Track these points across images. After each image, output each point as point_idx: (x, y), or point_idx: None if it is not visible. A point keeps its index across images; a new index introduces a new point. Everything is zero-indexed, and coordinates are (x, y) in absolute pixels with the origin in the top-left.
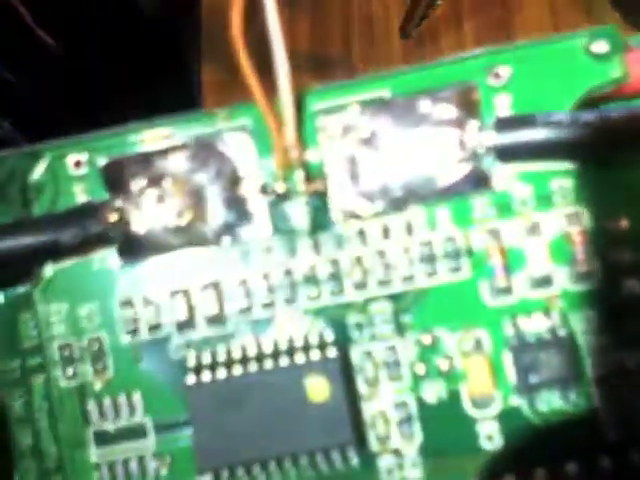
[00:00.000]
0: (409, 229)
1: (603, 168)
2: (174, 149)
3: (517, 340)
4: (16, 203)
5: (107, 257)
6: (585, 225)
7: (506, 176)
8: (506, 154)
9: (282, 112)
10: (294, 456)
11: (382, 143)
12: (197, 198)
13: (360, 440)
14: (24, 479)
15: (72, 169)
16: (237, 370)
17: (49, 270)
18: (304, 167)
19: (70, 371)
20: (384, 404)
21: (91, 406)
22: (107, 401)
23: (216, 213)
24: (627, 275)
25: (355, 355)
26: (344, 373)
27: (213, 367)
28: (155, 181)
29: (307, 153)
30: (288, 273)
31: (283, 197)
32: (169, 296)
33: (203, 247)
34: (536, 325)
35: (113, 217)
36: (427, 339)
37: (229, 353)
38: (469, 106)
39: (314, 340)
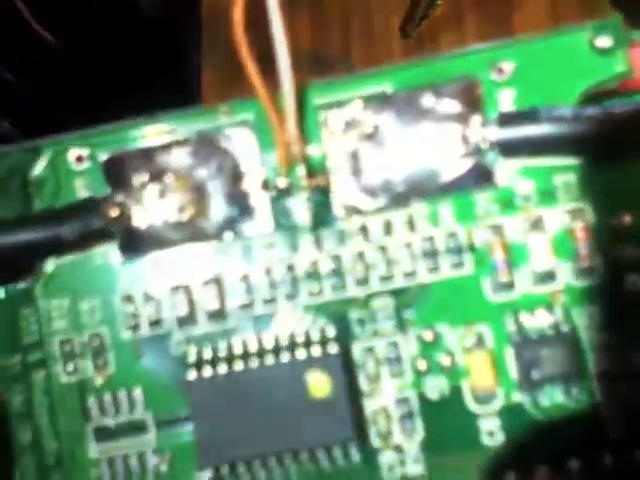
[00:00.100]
0: (411, 224)
1: (606, 163)
2: (176, 144)
3: (519, 336)
4: (17, 198)
5: (108, 252)
6: (588, 220)
7: (509, 171)
8: (509, 149)
9: (284, 107)
10: (295, 452)
11: (384, 138)
12: (199, 193)
13: (361, 436)
14: (24, 474)
15: (73, 164)
16: (238, 366)
17: (50, 265)
18: (306, 162)
19: (71, 366)
20: (385, 400)
21: (91, 402)
22: (107, 397)
23: (218, 208)
24: (630, 270)
25: (357, 351)
26: (345, 369)
27: (214, 363)
28: (156, 176)
29: (309, 148)
30: (290, 269)
31: (285, 192)
32: (170, 292)
33: (204, 242)
34: (539, 321)
35: (114, 212)
36: (429, 335)
37: (230, 349)
38: (472, 101)
39: (315, 336)
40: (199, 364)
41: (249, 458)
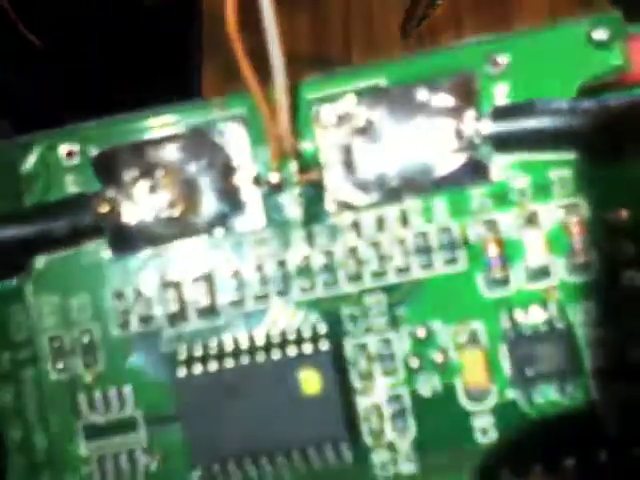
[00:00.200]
0: (404, 220)
1: (602, 158)
2: (167, 139)
3: (513, 333)
4: (7, 194)
5: (98, 249)
6: (583, 216)
7: (504, 166)
8: (504, 143)
9: (276, 100)
10: (286, 450)
11: (378, 133)
12: (190, 189)
13: (353, 434)
14: (14, 472)
15: (64, 159)
16: (229, 363)
17: (40, 262)
18: (298, 157)
19: (60, 364)
20: (378, 398)
21: (81, 399)
22: (97, 394)
23: (209, 204)
24: (626, 266)
25: (349, 348)
26: (337, 366)
27: (204, 360)
28: (147, 171)
29: (302, 143)
30: (281, 265)
31: (277, 188)
32: (161, 288)
33: (195, 238)
34: (533, 317)
35: (104, 208)
36: (422, 332)
37: (221, 346)
38: (467, 95)
39: (307, 333)
40: (190, 361)
41: (240, 456)
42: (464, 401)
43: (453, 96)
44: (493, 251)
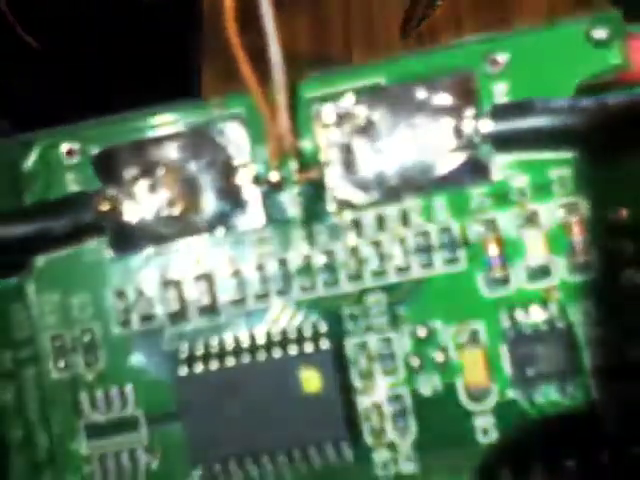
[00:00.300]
0: (405, 219)
1: (602, 156)
2: (167, 138)
3: (514, 332)
4: (8, 192)
5: (99, 247)
6: (583, 215)
7: (503, 165)
8: (503, 142)
9: (275, 99)
10: (287, 449)
11: (378, 131)
12: (190, 187)
13: (354, 434)
14: (16, 471)
15: (64, 158)
16: (230, 362)
17: (41, 260)
18: (298, 156)
19: (62, 363)
20: (378, 397)
21: (83, 398)
22: (99, 393)
23: (209, 203)
24: (626, 265)
25: (349, 347)
26: (337, 365)
27: (206, 359)
28: (148, 170)
29: (301, 142)
30: (282, 264)
31: (277, 186)
32: (162, 287)
33: (196, 237)
34: (533, 317)
35: (105, 206)
36: (422, 331)
37: (222, 344)
38: (466, 94)
39: (308, 332)
40: (191, 360)
41: (241, 455)
42: (465, 401)
43: (452, 95)
44: (493, 250)
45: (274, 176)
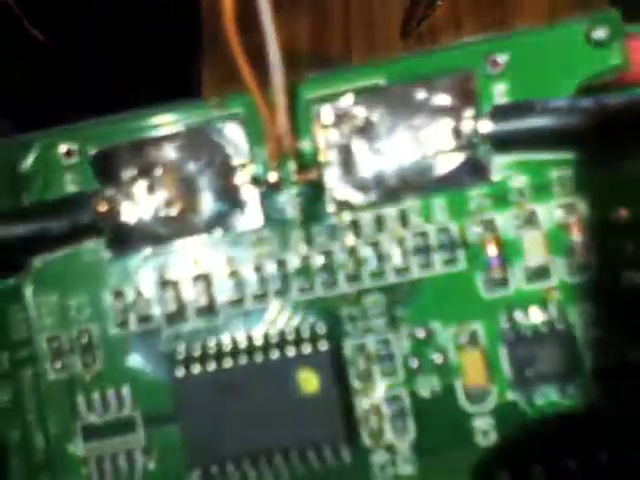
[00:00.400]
0: (404, 220)
1: (602, 157)
2: (165, 138)
3: (513, 333)
4: (6, 192)
5: (97, 248)
6: (583, 215)
7: (503, 166)
8: (503, 143)
9: (274, 99)
10: (285, 451)
11: (377, 132)
12: (188, 188)
13: (352, 435)
14: (13, 473)
15: (63, 158)
16: (227, 363)
17: (38, 261)
18: (297, 156)
19: (59, 364)
20: (377, 399)
21: (80, 399)
22: (96, 394)
23: (207, 203)
24: (626, 266)
25: (348, 349)
26: (336, 367)
27: (203, 360)
28: (146, 170)
29: (300, 142)
30: (280, 264)
31: (275, 187)
32: (159, 287)
33: (194, 238)
34: (533, 318)
35: (103, 207)
36: (421, 332)
37: (219, 346)
38: (466, 94)
39: (306, 333)
40: (188, 361)
41: (238, 457)
42: (464, 402)
43: (452, 95)
44: (492, 251)
45: (273, 176)
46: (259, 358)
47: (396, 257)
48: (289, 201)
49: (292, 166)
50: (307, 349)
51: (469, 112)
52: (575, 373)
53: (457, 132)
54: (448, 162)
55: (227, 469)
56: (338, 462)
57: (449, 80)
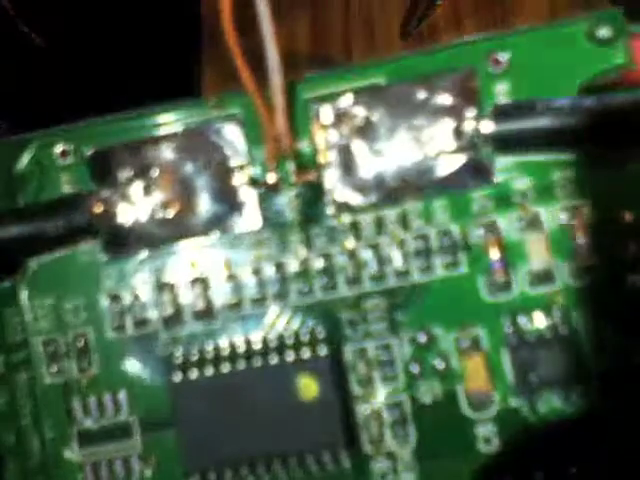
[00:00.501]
0: (404, 222)
1: (605, 158)
2: (162, 139)
3: (516, 338)
4: (1, 193)
5: (93, 250)
6: (587, 218)
7: (505, 167)
8: (505, 143)
9: (272, 98)
10: (283, 457)
11: (376, 132)
12: (185, 189)
13: (352, 442)
14: (7, 478)
15: (58, 159)
16: (225, 368)
17: (34, 263)
18: (296, 157)
19: (54, 367)
20: (377, 404)
21: (76, 404)
22: (92, 399)
23: (205, 205)
24: (631, 270)
25: (348, 353)
26: (335, 372)
27: (200, 364)
28: (142, 171)
29: (299, 142)
30: (279, 267)
31: (274, 188)
32: (156, 291)
33: (191, 240)
34: (536, 322)
35: (99, 208)
36: (422, 337)
37: (217, 350)
38: (467, 94)
39: (305, 337)
40: (185, 365)
41: (236, 463)
42: (466, 408)
43: (453, 95)
44: (495, 254)
45: (271, 178)
46: (258, 363)
47: (397, 260)
48: (288, 203)
49: (291, 167)
50: (306, 354)
51: (471, 112)
52: (579, 379)
53: (458, 132)
54: (449, 163)
55: (225, 475)
56: (337, 468)
57: (450, 79)
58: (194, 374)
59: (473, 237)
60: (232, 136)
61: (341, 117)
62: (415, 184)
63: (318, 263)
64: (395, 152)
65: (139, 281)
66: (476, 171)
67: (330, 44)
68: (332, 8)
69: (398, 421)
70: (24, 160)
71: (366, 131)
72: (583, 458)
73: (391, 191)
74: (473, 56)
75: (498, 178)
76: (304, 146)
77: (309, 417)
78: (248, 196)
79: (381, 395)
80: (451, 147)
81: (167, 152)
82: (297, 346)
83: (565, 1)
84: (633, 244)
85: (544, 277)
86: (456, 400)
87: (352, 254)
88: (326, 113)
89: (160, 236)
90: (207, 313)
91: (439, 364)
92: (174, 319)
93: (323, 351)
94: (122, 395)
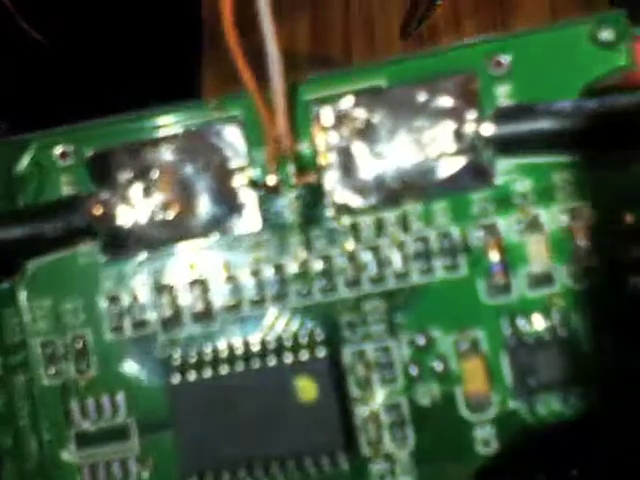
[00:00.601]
0: (404, 224)
1: (607, 160)
2: (162, 140)
3: (515, 341)
4: (0, 194)
5: (92, 252)
6: (587, 220)
7: (505, 169)
8: (506, 146)
9: (273, 99)
10: (281, 459)
11: (377, 134)
12: (185, 191)
13: (350, 444)
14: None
15: (58, 160)
16: (224, 370)
17: (32, 264)
18: (296, 159)
19: (53, 369)
20: (376, 407)
21: (74, 406)
22: (90, 401)
23: (204, 206)
24: (632, 272)
25: (346, 355)
26: (334, 374)
27: (199, 366)
28: (142, 173)
29: (299, 144)
30: (278, 269)
31: (274, 190)
32: (155, 292)
33: (190, 242)
34: (535, 325)
35: (98, 210)
36: (421, 339)
37: (216, 352)
38: (468, 96)
39: (304, 339)
40: (184, 367)
41: (234, 465)
42: (464, 411)
43: (454, 97)
44: (494, 256)
45: (271, 179)
46: (256, 365)
47: (396, 262)
48: (288, 204)
49: (291, 169)
50: (305, 356)
51: (471, 114)
52: (578, 381)
53: (459, 135)
54: (450, 165)
55: (222, 477)
56: (336, 471)
57: (451, 81)
58: (192, 376)
59: (473, 239)
60: (232, 138)
61: (342, 119)
62: (415, 186)
63: (317, 265)
64: (395, 154)
65: (138, 283)
66: (476, 173)
67: (330, 44)
68: (332, 8)
69: (397, 423)
70: (24, 161)
71: (366, 133)
72: (582, 461)
73: (391, 193)
74: (474, 58)
75: (498, 180)
76: (304, 148)
77: (307, 419)
78: (248, 198)
79: (380, 397)
80: (452, 149)
81: (167, 154)
82: (296, 348)
83: (566, 2)
84: (634, 246)
85: (544, 279)
86: (455, 402)
87: (352, 256)
88: (327, 115)
89: (159, 238)
90: (206, 315)
91: (438, 366)
92: (173, 321)
93: (322, 353)
94: (120, 397)
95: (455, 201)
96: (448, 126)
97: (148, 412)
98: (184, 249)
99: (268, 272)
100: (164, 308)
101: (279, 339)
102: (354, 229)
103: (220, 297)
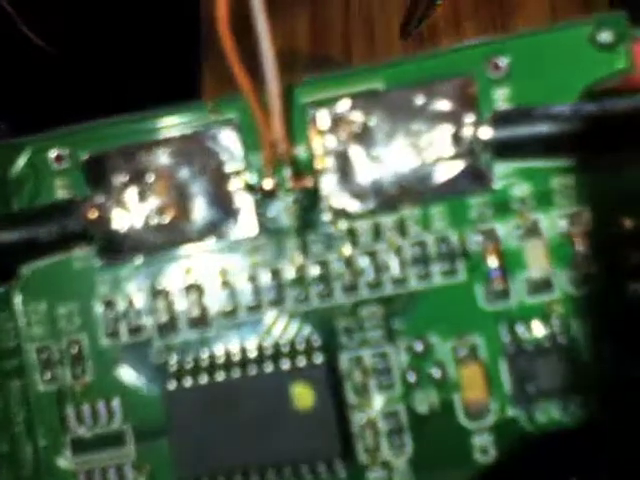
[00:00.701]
0: (402, 229)
1: (606, 164)
2: (158, 143)
3: (514, 347)
4: None
5: (87, 256)
6: (587, 225)
7: (504, 173)
8: (504, 150)
9: (268, 102)
10: (278, 467)
11: (374, 138)
12: (181, 195)
13: (347, 451)
14: None
15: (53, 164)
16: (220, 376)
17: (27, 269)
18: (292, 163)
19: (48, 375)
20: (373, 414)
21: (69, 412)
22: (86, 407)
23: (200, 211)
24: (632, 278)
25: (343, 361)
26: (331, 380)
27: (195, 372)
28: (138, 177)
29: (296, 148)
30: (275, 274)
31: (270, 194)
32: (151, 297)
33: (186, 246)
34: (535, 331)
35: (93, 214)
36: (419, 345)
37: (212, 358)
38: (466, 99)
39: (301, 345)
40: (180, 373)
41: (230, 472)
42: (463, 418)
43: (452, 100)
44: (493, 262)
45: (267, 183)
46: (253, 371)
47: (394, 267)
48: (284, 209)
49: (287, 173)
50: (302, 362)
51: (469, 118)
52: (577, 388)
53: (457, 138)
54: (448, 169)
55: None
56: (332, 478)
57: (449, 85)
58: (188, 382)
59: (471, 244)
60: (228, 141)
61: (338, 122)
62: (413, 190)
63: (314, 270)
64: (393, 158)
65: (134, 287)
66: (474, 177)
67: (330, 44)
68: (332, 7)
69: (394, 430)
70: (18, 164)
71: (363, 137)
72: (581, 469)
73: (388, 197)
74: (472, 61)
75: (497, 184)
76: (301, 152)
77: (304, 426)
78: (244, 202)
79: (377, 404)
80: (449, 153)
81: (162, 157)
82: (292, 354)
83: (566, 3)
84: (634, 251)
85: (543, 285)
86: (453, 409)
87: (349, 261)
88: (323, 118)
89: (155, 242)
90: (202, 320)
91: (436, 373)
92: (169, 326)
93: (319, 359)
94: (116, 403)
95: (453, 205)
96: (446, 130)
97: (144, 418)
98: (180, 254)
99: (265, 277)
100: (160, 313)
101: (276, 345)
102: (351, 234)
103: (216, 302)
